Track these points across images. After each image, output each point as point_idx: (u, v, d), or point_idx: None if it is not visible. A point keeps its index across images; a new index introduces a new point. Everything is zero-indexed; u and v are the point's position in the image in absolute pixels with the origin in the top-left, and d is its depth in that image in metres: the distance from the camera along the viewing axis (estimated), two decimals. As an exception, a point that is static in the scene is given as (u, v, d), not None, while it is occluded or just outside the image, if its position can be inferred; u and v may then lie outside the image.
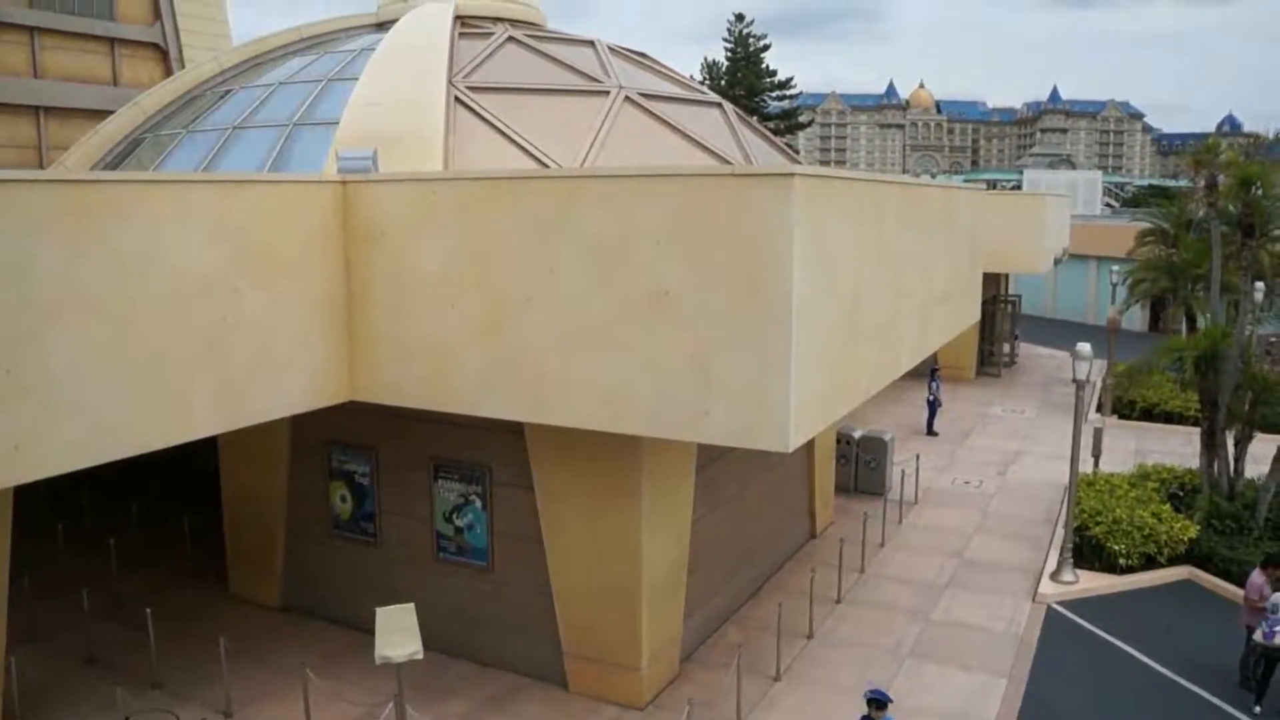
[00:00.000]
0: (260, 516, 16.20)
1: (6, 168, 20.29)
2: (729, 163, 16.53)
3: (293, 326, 11.06)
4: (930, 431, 28.64)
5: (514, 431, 12.81)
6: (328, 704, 12.98)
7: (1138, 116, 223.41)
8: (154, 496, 20.51)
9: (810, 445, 18.62)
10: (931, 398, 28.69)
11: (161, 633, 14.10)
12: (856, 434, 22.88)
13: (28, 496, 11.57)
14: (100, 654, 14.59)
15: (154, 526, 19.51)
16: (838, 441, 21.84)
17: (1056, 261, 38.15)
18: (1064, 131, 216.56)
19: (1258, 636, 13.36)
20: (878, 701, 10.23)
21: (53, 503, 18.64)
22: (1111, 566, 17.89)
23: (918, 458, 23.69)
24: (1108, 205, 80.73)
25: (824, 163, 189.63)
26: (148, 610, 14.08)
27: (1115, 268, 37.54)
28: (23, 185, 8.43)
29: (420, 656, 9.95)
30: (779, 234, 9.08)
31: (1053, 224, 35.63)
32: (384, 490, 14.88)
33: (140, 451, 9.57)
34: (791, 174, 9.14)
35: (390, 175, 12.06)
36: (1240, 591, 14.77)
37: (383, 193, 11.48)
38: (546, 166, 14.31)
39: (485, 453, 13.68)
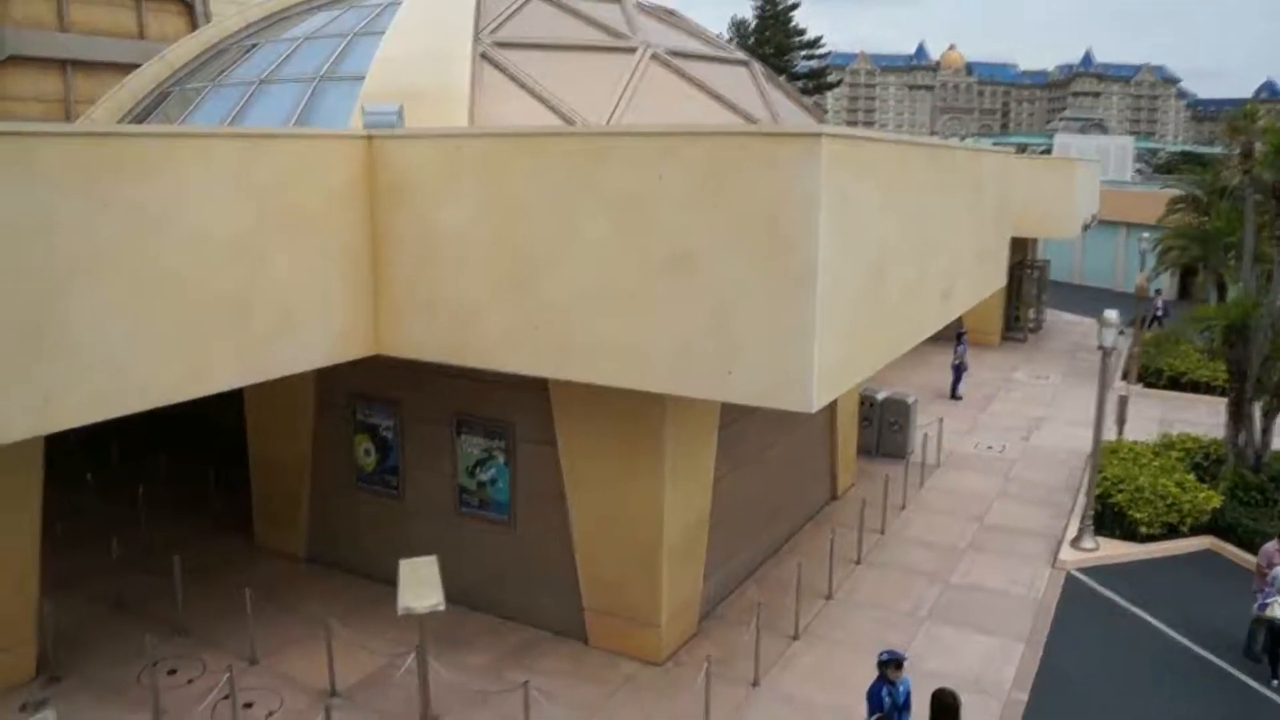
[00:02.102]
0: (285, 469, 16.37)
1: (34, 121, 20.40)
2: (756, 122, 16.41)
3: (317, 280, 11.11)
4: (954, 395, 28.56)
5: (538, 388, 12.86)
6: (351, 653, 13.17)
7: (1172, 81, 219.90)
8: (181, 448, 20.73)
9: (833, 407, 18.61)
10: (957, 362, 28.58)
11: (188, 581, 14.31)
12: (879, 396, 22.83)
13: (58, 447, 11.74)
14: (129, 601, 14.84)
15: (181, 478, 19.73)
16: (860, 404, 21.80)
17: (1085, 227, 37.75)
18: (1096, 95, 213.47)
19: (1254, 607, 13.39)
20: (894, 662, 10.27)
21: (82, 453, 18.87)
22: (1132, 535, 17.86)
23: (941, 421, 23.63)
24: (1139, 171, 79.67)
25: (852, 124, 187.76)
26: (175, 559, 14.29)
27: (1145, 235, 37.13)
28: (50, 139, 8.48)
29: (442, 608, 10.07)
30: (805, 194, 9.02)
31: (1082, 189, 35.26)
32: (407, 444, 15.00)
33: (165, 403, 9.67)
34: (819, 134, 9.07)
35: (416, 131, 12.04)
36: (1264, 563, 14.74)
37: (408, 148, 11.47)
38: (572, 124, 14.24)
39: (509, 408, 13.75)
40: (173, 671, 13.04)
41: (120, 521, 17.01)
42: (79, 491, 18.20)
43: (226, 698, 11.58)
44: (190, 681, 12.83)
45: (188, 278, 9.61)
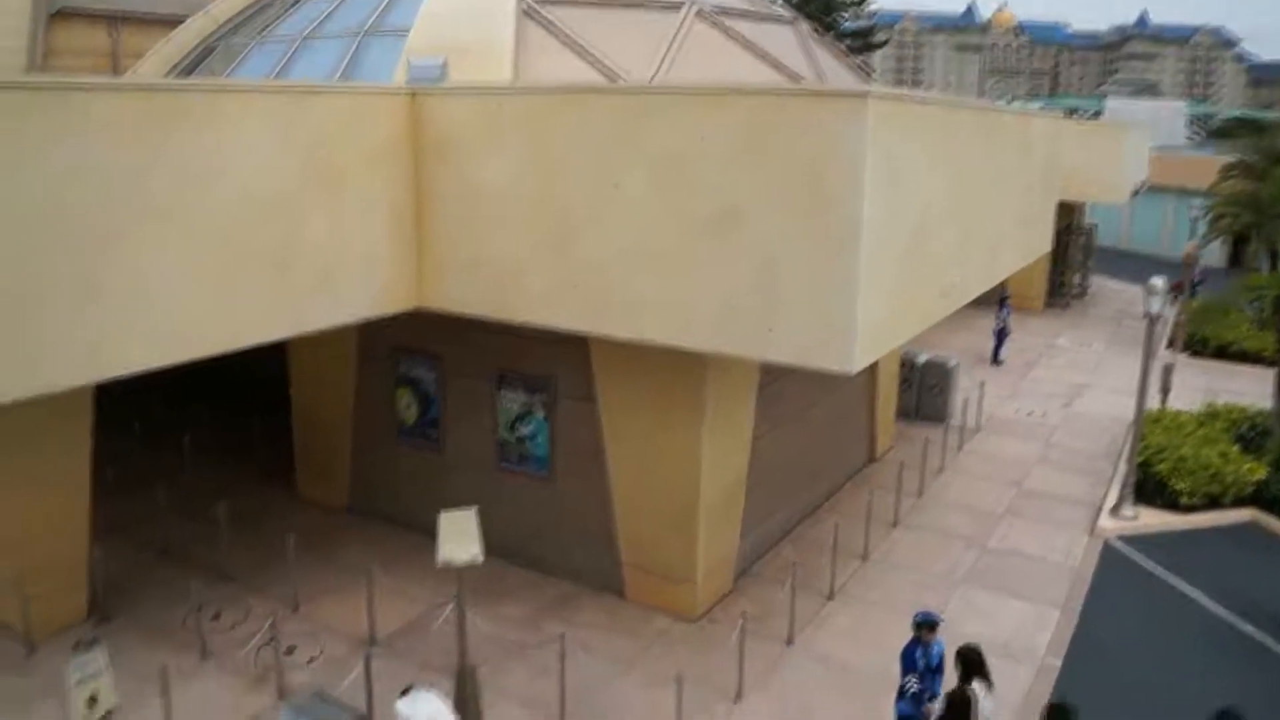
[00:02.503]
0: (327, 421, 16.59)
1: (83, 75, 20.59)
2: (801, 81, 16.25)
3: (360, 234, 11.19)
4: (996, 360, 28.35)
5: (578, 344, 12.92)
6: (391, 603, 13.41)
7: (1230, 44, 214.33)
8: (225, 399, 21.04)
9: (873, 369, 18.54)
10: (999, 326, 28.34)
11: (232, 529, 14.62)
12: (920, 359, 22.72)
13: (107, 396, 11.96)
14: (175, 546, 15.17)
15: (225, 428, 20.06)
16: (901, 366, 21.71)
17: (1134, 193, 37.15)
18: (1150, 58, 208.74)
19: None
20: (928, 624, 10.30)
21: (130, 402, 19.21)
22: (1173, 504, 17.70)
23: (981, 385, 23.49)
24: (1192, 136, 78.05)
25: (899, 84, 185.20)
26: (219, 507, 14.57)
27: (1196, 201, 36.48)
28: (98, 93, 8.56)
29: (480, 561, 10.19)
30: (850, 155, 8.95)
31: (1132, 154, 34.66)
32: (448, 398, 15.14)
33: (211, 354, 9.81)
34: (865, 94, 8.97)
35: (460, 86, 12.04)
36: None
37: (452, 104, 11.48)
38: (616, 81, 14.18)
39: (549, 364, 13.83)
40: (217, 616, 13.34)
41: (166, 469, 17.36)
42: (127, 440, 18.57)
43: (269, 643, 11.83)
44: (234, 626, 13.11)
45: (234, 231, 9.72)
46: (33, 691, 11.56)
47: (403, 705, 9.50)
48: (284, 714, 9.43)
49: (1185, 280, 31.44)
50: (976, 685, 9.42)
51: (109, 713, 8.09)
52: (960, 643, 12.70)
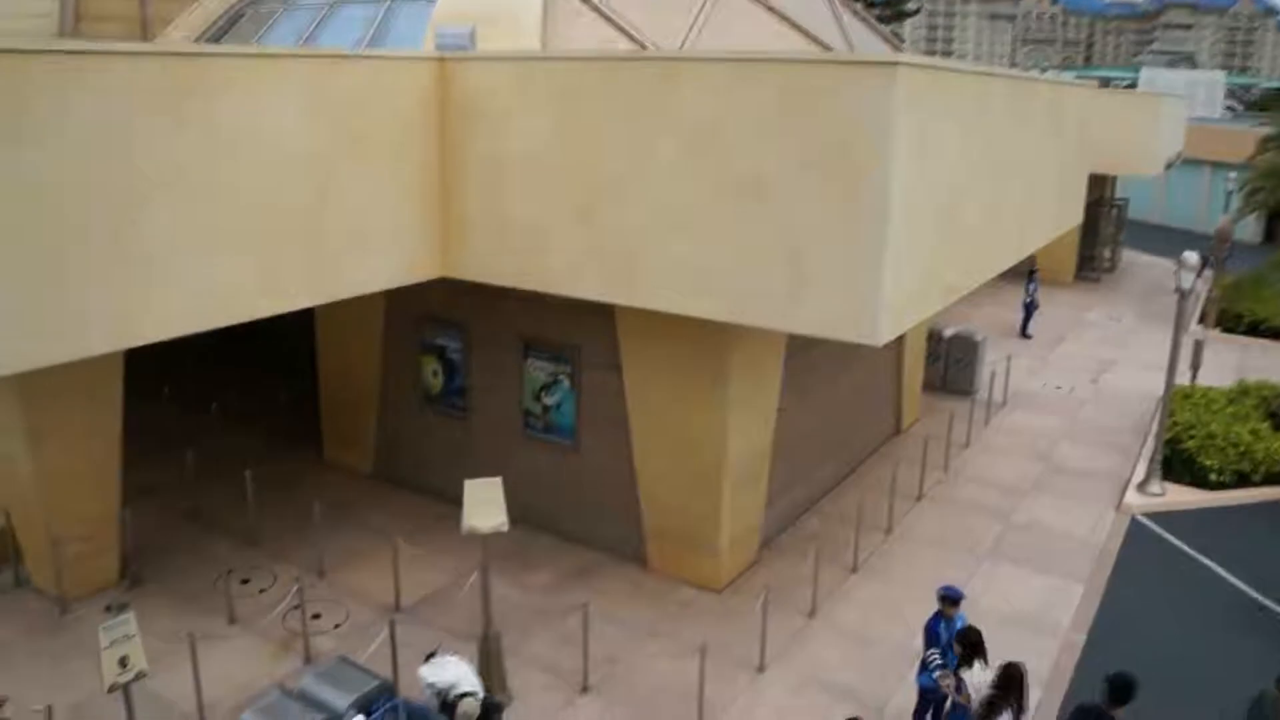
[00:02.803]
0: (354, 387, 16.69)
1: (113, 40, 20.62)
2: (832, 50, 16.09)
3: (388, 202, 11.21)
4: (1024, 334, 28.14)
5: (604, 313, 12.91)
6: (416, 570, 13.51)
7: (1272, 13, 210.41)
8: (253, 366, 21.19)
9: (900, 341, 18.46)
10: (1028, 299, 28.09)
11: (259, 494, 14.74)
12: (947, 332, 22.57)
13: (136, 361, 12.06)
14: (203, 512, 15.33)
15: (252, 394, 20.22)
16: (928, 339, 21.59)
17: (1168, 165, 36.65)
18: (1188, 28, 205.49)
19: None
20: (951, 599, 10.28)
21: (160, 367, 19.37)
22: (1202, 481, 17.56)
23: (1009, 359, 23.33)
24: (1229, 108, 76.80)
25: (930, 53, 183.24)
26: (246, 472, 14.70)
27: (1232, 174, 35.93)
28: (127, 58, 8.56)
29: (506, 528, 10.27)
30: (880, 125, 8.86)
31: (1167, 126, 34.17)
32: (474, 366, 15.18)
33: (239, 320, 9.88)
34: (896, 63, 8.87)
35: (488, 54, 12.00)
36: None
37: (480, 72, 11.44)
38: (644, 49, 14.08)
39: (575, 333, 13.83)
40: (245, 581, 13.49)
41: (195, 435, 17.50)
42: (156, 405, 18.75)
43: (296, 608, 11.96)
44: (262, 591, 13.27)
45: (262, 197, 9.74)
46: (66, 651, 11.77)
47: (427, 671, 9.59)
48: (310, 679, 9.54)
49: (1216, 255, 31.04)
50: (977, 666, 9.39)
51: (140, 674, 8.21)
52: (983, 617, 12.71)
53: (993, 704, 9.13)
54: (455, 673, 9.47)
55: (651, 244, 10.44)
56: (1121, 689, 8.66)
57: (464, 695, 9.26)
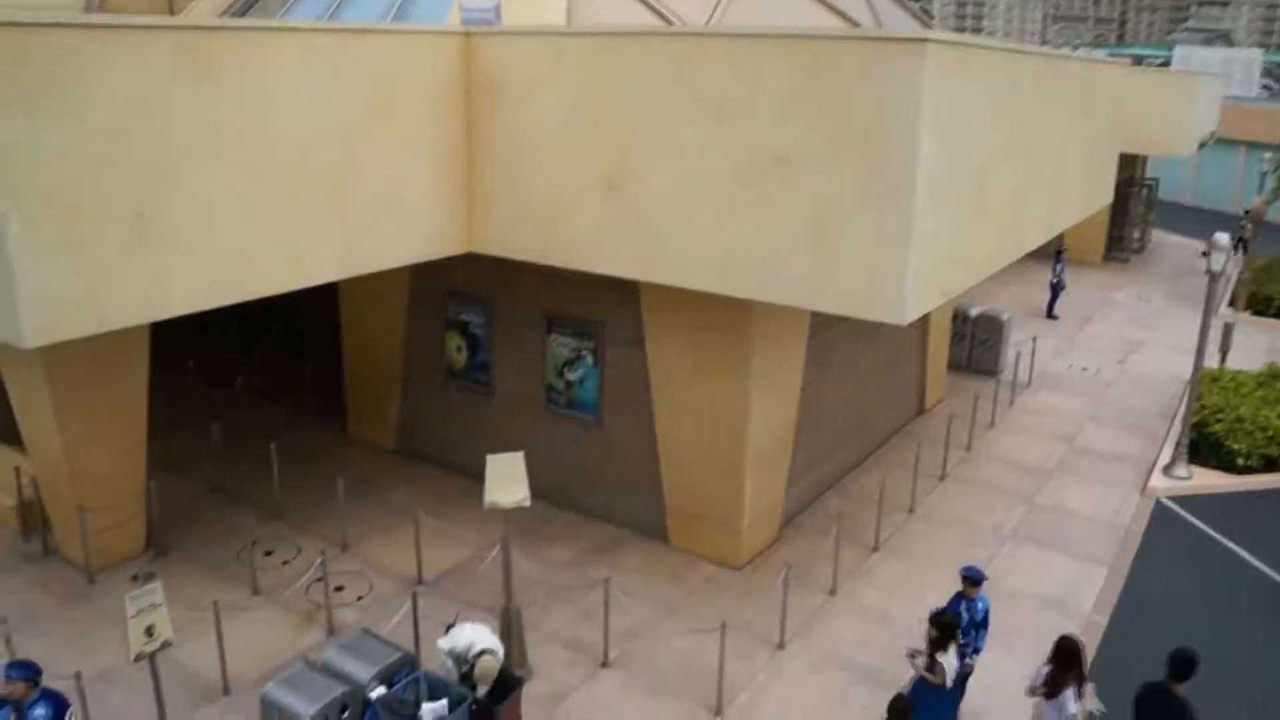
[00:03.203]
0: (378, 362, 16.75)
1: (141, 15, 20.67)
2: (860, 26, 15.93)
3: (414, 177, 11.20)
4: (1050, 314, 27.93)
5: (628, 290, 12.89)
6: (438, 544, 13.60)
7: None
8: (278, 340, 21.31)
9: (925, 320, 18.36)
10: (1055, 280, 27.86)
11: (283, 467, 14.84)
12: (973, 312, 22.43)
13: (161, 334, 12.15)
14: (228, 484, 15.45)
15: (277, 367, 20.33)
16: (953, 318, 21.46)
17: (1201, 145, 36.13)
18: (1224, 5, 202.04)
19: None
20: (972, 579, 10.25)
21: (186, 341, 19.50)
22: (1229, 466, 17.41)
23: (1034, 340, 23.16)
24: (1266, 87, 75.57)
25: (959, 30, 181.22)
26: (271, 446, 14.80)
27: (1267, 154, 35.39)
28: (154, 31, 8.56)
29: (527, 504, 10.30)
30: (907, 103, 8.77)
31: (1200, 105, 33.65)
32: (498, 342, 15.20)
33: (266, 294, 9.92)
34: (924, 40, 8.76)
35: (514, 29, 11.95)
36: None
37: (506, 46, 11.39)
38: (671, 24, 13.98)
39: (599, 309, 13.82)
40: (269, 553, 13.61)
41: (220, 408, 17.64)
42: (182, 378, 18.87)
43: (319, 580, 12.05)
44: (285, 563, 13.38)
45: (287, 172, 9.75)
46: (94, 619, 11.93)
47: (443, 641, 9.70)
48: (333, 651, 9.62)
49: (1243, 235, 30.63)
50: (951, 650, 9.50)
51: (166, 643, 8.31)
52: (1005, 598, 12.68)
53: (1054, 680, 9.16)
54: (471, 634, 9.58)
55: (676, 220, 10.40)
56: (1183, 665, 8.73)
57: (482, 653, 9.37)
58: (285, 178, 9.74)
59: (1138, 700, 9.01)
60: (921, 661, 9.59)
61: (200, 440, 16.00)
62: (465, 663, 9.49)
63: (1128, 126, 20.97)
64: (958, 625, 9.76)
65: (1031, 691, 9.41)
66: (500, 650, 9.63)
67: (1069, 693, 9.03)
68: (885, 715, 8.54)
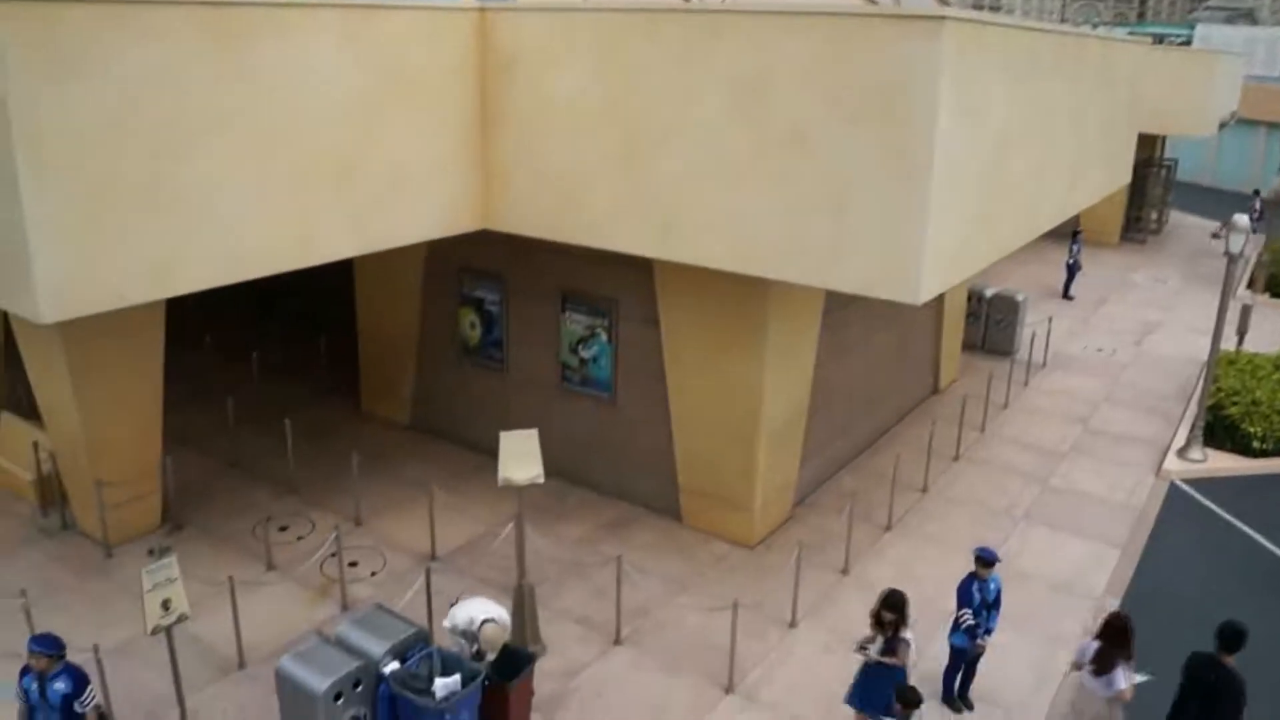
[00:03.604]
0: (392, 339, 16.79)
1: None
2: (877, 3, 15.80)
3: (428, 153, 11.19)
4: (1066, 295, 27.79)
5: (642, 267, 12.87)
6: (451, 520, 13.65)
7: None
8: (293, 316, 21.37)
9: (940, 300, 18.29)
10: (1071, 260, 27.69)
11: (298, 443, 14.91)
12: (988, 292, 22.34)
13: (176, 310, 12.19)
14: (243, 460, 15.53)
15: (292, 343, 20.40)
16: (968, 298, 21.38)
17: (1222, 125, 35.78)
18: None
19: None
20: (985, 560, 10.24)
21: (201, 317, 19.55)
22: (1244, 449, 17.33)
23: (1050, 320, 23.06)
24: (1289, 66, 74.53)
25: (977, 8, 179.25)
26: (286, 421, 14.87)
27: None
28: (168, 7, 8.56)
29: (541, 481, 10.33)
30: (925, 82, 8.72)
31: (1221, 85, 33.32)
32: (512, 319, 15.21)
33: (280, 270, 9.96)
34: (942, 18, 8.69)
35: (529, 4, 11.89)
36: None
37: (521, 22, 11.35)
38: (688, 1, 13.90)
39: (613, 287, 13.80)
40: (284, 528, 13.69)
41: (235, 383, 17.71)
42: (197, 354, 18.97)
43: (333, 555, 12.12)
44: (300, 538, 13.45)
45: (302, 148, 9.76)
46: (111, 592, 12.04)
47: (447, 622, 9.78)
48: (347, 626, 9.68)
49: (1255, 216, 30.34)
50: (910, 629, 9.44)
51: (182, 617, 8.38)
52: (1017, 579, 12.69)
53: (1103, 656, 9.18)
54: (470, 608, 9.65)
55: (692, 198, 10.37)
56: (1232, 637, 8.79)
57: (485, 622, 9.45)
58: (299, 154, 9.75)
59: (1187, 669, 9.10)
60: (876, 648, 9.39)
61: (216, 415, 16.09)
62: (473, 638, 9.56)
63: (1147, 106, 20.77)
64: (907, 601, 9.52)
65: (1077, 666, 9.46)
66: (503, 617, 9.70)
67: (1119, 669, 9.08)
68: (899, 708, 8.45)
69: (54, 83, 7.76)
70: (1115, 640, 9.15)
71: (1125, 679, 9.05)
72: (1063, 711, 10.20)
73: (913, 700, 8.34)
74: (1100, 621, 9.45)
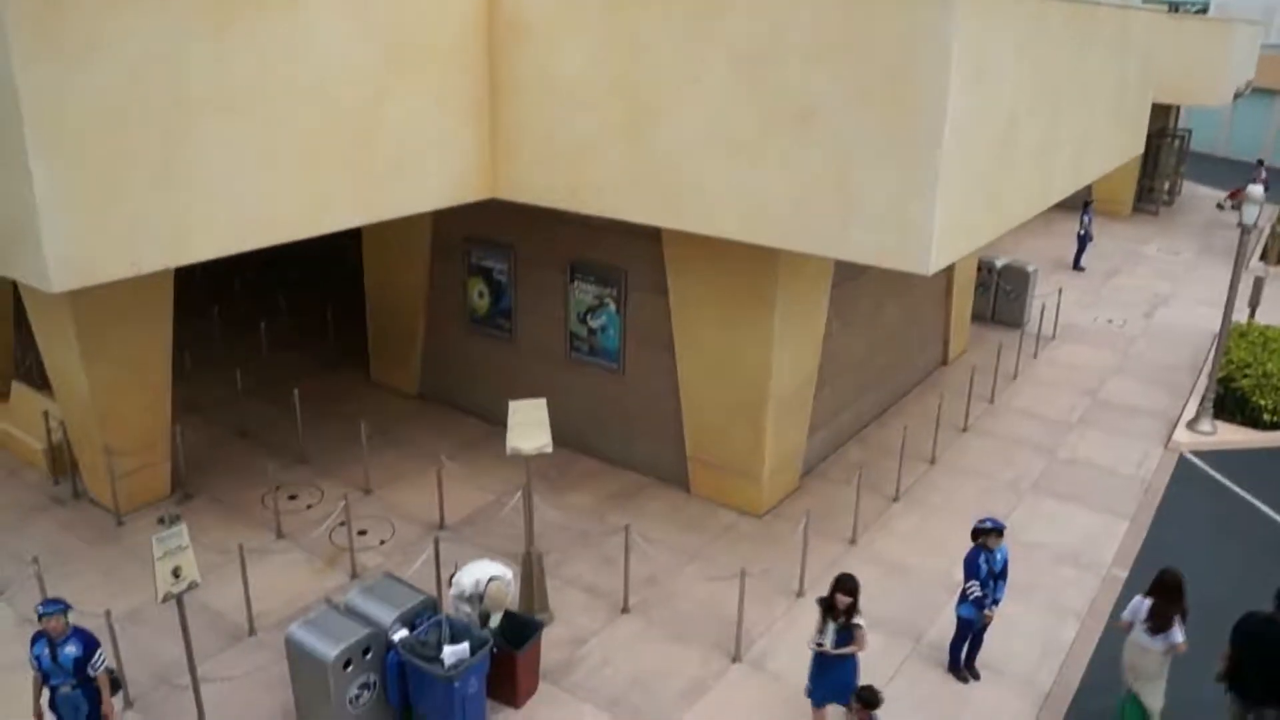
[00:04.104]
0: (400, 309, 16.79)
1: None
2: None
3: (436, 122, 11.13)
4: (1077, 266, 27.63)
5: (651, 237, 12.83)
6: (459, 489, 13.70)
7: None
8: (301, 286, 21.39)
9: (949, 271, 18.22)
10: (1082, 231, 27.49)
11: (307, 413, 14.96)
12: (998, 263, 22.22)
13: (185, 280, 12.20)
14: (252, 429, 15.59)
15: (300, 314, 20.42)
16: (978, 269, 21.28)
17: (1237, 95, 35.38)
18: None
19: None
20: (993, 531, 10.21)
21: (210, 287, 19.58)
22: (1255, 421, 17.25)
23: (1060, 292, 22.95)
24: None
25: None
26: (294, 391, 14.90)
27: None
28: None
29: (549, 450, 10.35)
30: (935, 49, 8.62)
31: (1237, 53, 32.93)
32: (520, 288, 15.19)
33: (288, 239, 9.93)
34: (954, -14, 8.61)
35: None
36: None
37: (529, -11, 11.27)
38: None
39: (622, 256, 13.77)
40: (293, 497, 13.75)
41: (244, 353, 17.75)
42: (206, 323, 19.00)
43: (342, 524, 12.18)
44: (309, 507, 13.51)
45: (309, 117, 9.71)
46: (122, 560, 12.13)
47: (452, 590, 9.85)
48: (356, 594, 9.74)
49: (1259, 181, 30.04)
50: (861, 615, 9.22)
51: (192, 584, 8.43)
52: (1025, 550, 12.70)
53: (1159, 612, 9.29)
54: (478, 569, 9.73)
55: (700, 167, 10.31)
56: None
57: (491, 580, 9.53)
58: (308, 123, 9.70)
59: (1239, 630, 9.22)
60: (830, 639, 9.12)
61: (225, 385, 16.14)
62: (479, 601, 9.64)
63: (1161, 76, 20.55)
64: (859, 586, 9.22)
65: (1129, 625, 9.55)
66: (507, 575, 9.76)
67: (1175, 625, 9.22)
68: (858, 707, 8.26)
69: (61, 56, 7.73)
70: (1170, 597, 9.30)
71: (1180, 633, 9.21)
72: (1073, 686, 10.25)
73: (872, 701, 8.17)
74: (1153, 579, 9.53)
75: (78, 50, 7.82)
